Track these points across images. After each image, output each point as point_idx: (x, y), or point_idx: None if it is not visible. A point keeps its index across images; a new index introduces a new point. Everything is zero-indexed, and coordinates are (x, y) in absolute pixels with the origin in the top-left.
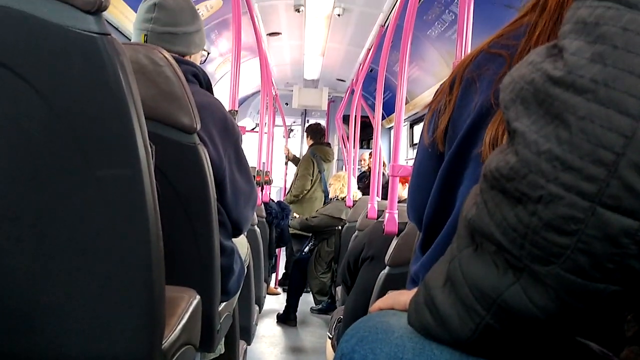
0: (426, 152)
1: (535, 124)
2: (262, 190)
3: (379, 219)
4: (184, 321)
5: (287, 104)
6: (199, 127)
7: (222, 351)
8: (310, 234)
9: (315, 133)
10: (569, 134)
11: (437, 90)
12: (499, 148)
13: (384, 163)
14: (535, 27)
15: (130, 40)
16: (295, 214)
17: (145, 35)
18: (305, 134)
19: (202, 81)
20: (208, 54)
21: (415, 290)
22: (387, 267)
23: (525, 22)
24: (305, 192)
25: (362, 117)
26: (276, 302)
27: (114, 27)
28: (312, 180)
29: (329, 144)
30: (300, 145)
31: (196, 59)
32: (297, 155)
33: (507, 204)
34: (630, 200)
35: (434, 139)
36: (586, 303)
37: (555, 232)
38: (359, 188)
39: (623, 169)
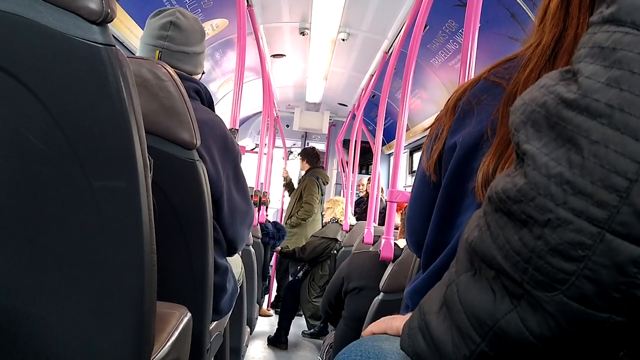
0: (423, 178)
1: (546, 146)
2: (258, 211)
3: (374, 245)
4: (173, 338)
5: (288, 126)
6: (198, 143)
7: None
8: None
9: (312, 157)
10: (581, 157)
11: (436, 117)
12: (505, 171)
13: (381, 189)
14: (528, 61)
15: (134, 54)
16: (287, 245)
17: (159, 52)
18: (300, 157)
19: (204, 98)
20: (203, 73)
21: (409, 315)
22: (382, 294)
23: (521, 55)
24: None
25: (362, 142)
26: (268, 324)
27: (119, 41)
28: (317, 203)
29: (323, 167)
30: (299, 167)
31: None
32: (294, 180)
33: (512, 227)
34: None
35: (427, 167)
36: (587, 333)
37: (561, 257)
38: (355, 213)
39: (635, 196)
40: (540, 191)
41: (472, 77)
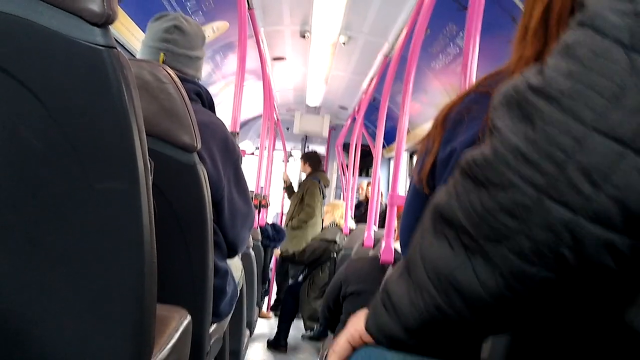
0: (416, 191)
1: (512, 122)
2: (258, 214)
3: (374, 248)
4: (173, 341)
5: (288, 129)
6: (199, 146)
7: None
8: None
9: (314, 160)
10: (535, 133)
11: (426, 134)
12: (477, 145)
13: (381, 193)
14: (512, 73)
15: (135, 57)
16: (288, 248)
17: (164, 54)
18: (302, 160)
19: (204, 100)
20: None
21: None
22: None
23: (505, 69)
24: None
25: (362, 145)
26: (267, 326)
27: (120, 43)
28: (319, 206)
29: (324, 171)
30: (299, 171)
31: None
32: (294, 183)
33: (474, 189)
34: (572, 195)
35: (420, 180)
36: (523, 285)
37: (507, 215)
38: (354, 217)
39: (570, 168)
40: (499, 158)
41: (474, 80)
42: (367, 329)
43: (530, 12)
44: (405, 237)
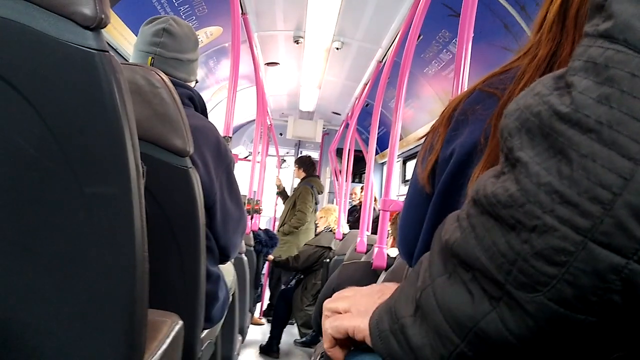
0: (417, 188)
1: (538, 156)
2: (251, 219)
3: (367, 253)
4: (164, 346)
5: (281, 134)
6: (191, 150)
7: None
8: None
9: (308, 165)
10: (570, 169)
11: (431, 127)
12: (490, 173)
13: (374, 198)
14: (523, 73)
15: (127, 61)
16: (280, 254)
17: (152, 58)
18: (295, 165)
19: (197, 105)
20: (196, 82)
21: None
22: None
23: (516, 66)
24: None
25: (355, 151)
26: (260, 332)
27: (113, 47)
28: (311, 211)
29: (318, 176)
30: (292, 176)
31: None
32: (287, 188)
33: (500, 230)
34: (621, 238)
35: (422, 178)
36: (564, 332)
37: (545, 261)
38: (348, 222)
39: (618, 209)
40: (530, 198)
41: (466, 87)
42: (375, 348)
43: (550, 1)
44: (404, 234)
